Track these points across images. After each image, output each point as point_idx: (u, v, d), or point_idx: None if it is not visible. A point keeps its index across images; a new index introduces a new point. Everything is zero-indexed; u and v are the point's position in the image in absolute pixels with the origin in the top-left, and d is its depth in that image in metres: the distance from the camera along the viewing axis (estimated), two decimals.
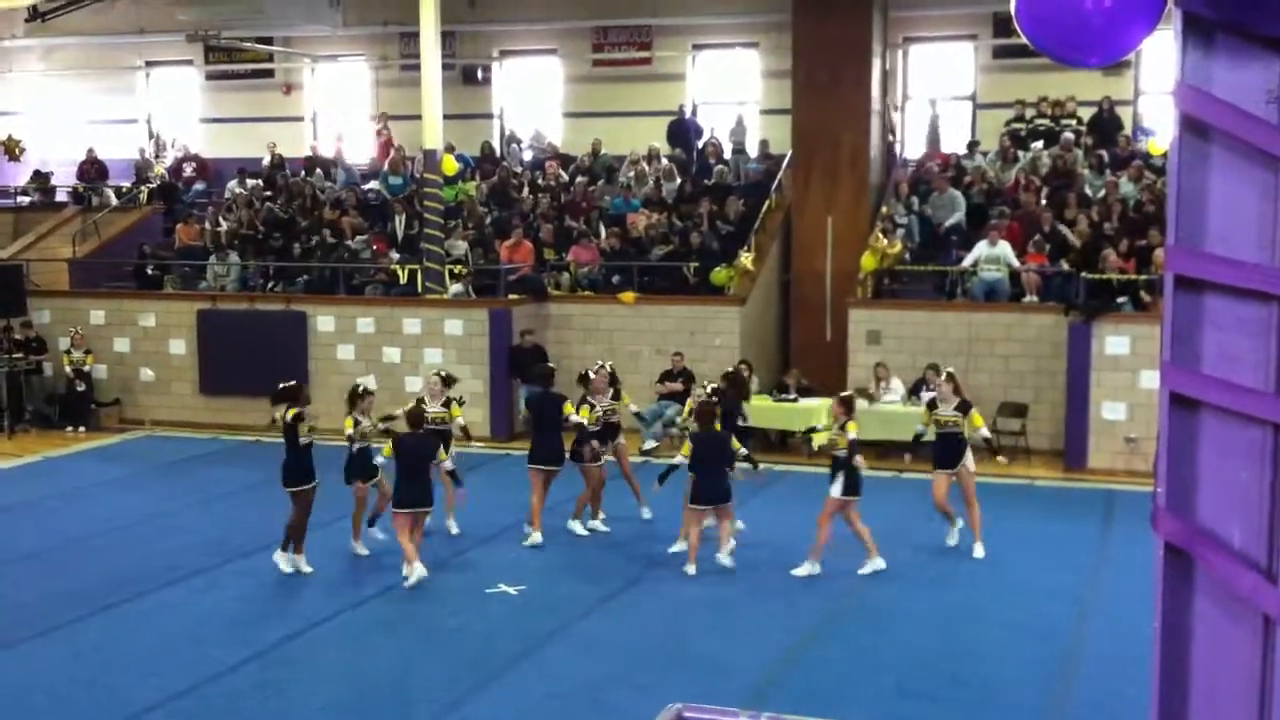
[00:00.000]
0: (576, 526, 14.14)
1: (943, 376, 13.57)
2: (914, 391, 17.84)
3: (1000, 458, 13.98)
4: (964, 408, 13.16)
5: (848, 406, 12.57)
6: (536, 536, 13.57)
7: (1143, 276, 17.59)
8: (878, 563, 12.55)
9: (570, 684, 9.85)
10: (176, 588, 12.31)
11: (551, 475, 13.77)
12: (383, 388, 18.43)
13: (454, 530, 13.74)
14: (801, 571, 12.48)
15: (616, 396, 14.42)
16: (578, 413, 13.80)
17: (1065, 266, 18.24)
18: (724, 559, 12.60)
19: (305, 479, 12.49)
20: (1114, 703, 9.37)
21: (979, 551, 13.17)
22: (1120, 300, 17.59)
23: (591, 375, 14.20)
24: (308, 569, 12.61)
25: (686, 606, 11.69)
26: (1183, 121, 3.10)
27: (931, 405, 13.41)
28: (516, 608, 11.77)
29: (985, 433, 13.62)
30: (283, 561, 12.60)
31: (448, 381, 14.20)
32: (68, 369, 20.78)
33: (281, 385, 12.81)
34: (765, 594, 12.05)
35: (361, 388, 13.29)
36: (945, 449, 13.23)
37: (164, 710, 9.33)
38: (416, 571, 12.15)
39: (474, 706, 9.44)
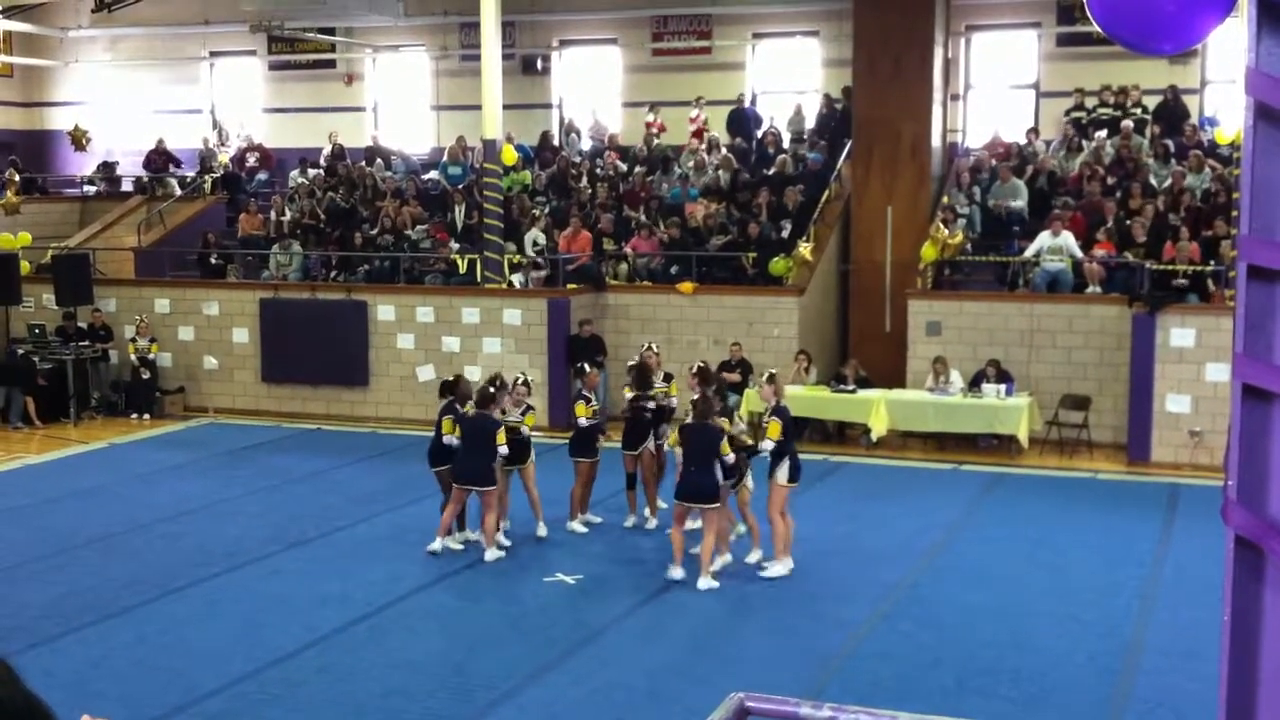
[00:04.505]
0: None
1: (764, 378, 12.39)
2: (974, 384, 17.72)
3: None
4: (776, 413, 11.97)
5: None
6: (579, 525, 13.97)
7: (1209, 267, 17.37)
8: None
9: (628, 673, 9.87)
10: (239, 573, 12.46)
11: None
12: (441, 377, 18.49)
13: (542, 533, 13.61)
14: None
15: (668, 380, 14.50)
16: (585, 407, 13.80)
17: (1129, 257, 18.03)
18: (704, 580, 11.72)
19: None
20: (1175, 698, 9.27)
21: (772, 570, 12.13)
22: (1181, 282, 17.30)
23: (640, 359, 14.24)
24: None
25: (744, 598, 11.68)
26: (1255, 109, 3.04)
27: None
28: (574, 597, 11.82)
29: (767, 444, 11.90)
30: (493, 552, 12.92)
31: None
32: (133, 357, 21.04)
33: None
34: (823, 587, 11.99)
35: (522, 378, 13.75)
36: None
37: (226, 694, 9.44)
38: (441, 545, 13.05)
39: (532, 694, 9.48)
